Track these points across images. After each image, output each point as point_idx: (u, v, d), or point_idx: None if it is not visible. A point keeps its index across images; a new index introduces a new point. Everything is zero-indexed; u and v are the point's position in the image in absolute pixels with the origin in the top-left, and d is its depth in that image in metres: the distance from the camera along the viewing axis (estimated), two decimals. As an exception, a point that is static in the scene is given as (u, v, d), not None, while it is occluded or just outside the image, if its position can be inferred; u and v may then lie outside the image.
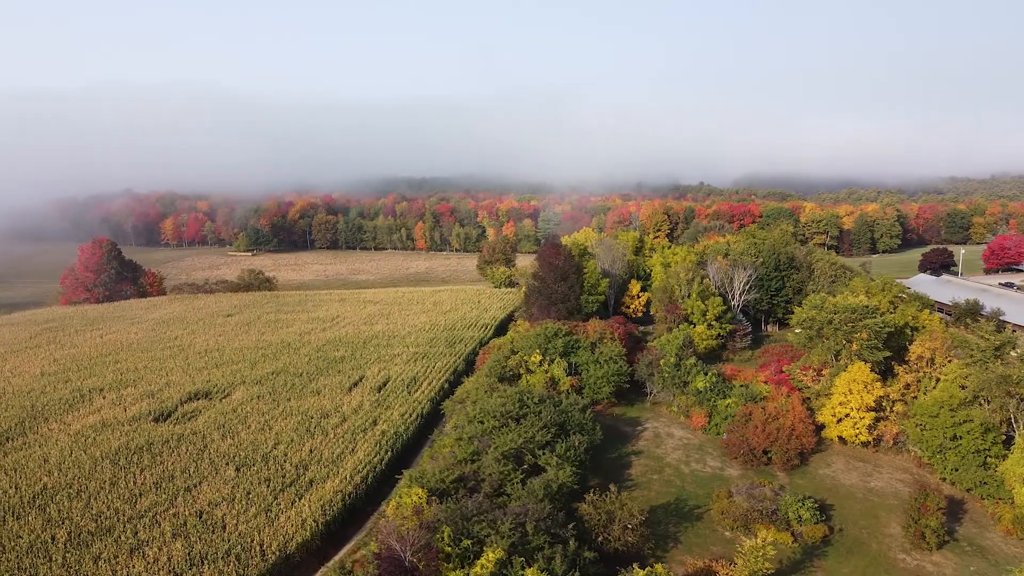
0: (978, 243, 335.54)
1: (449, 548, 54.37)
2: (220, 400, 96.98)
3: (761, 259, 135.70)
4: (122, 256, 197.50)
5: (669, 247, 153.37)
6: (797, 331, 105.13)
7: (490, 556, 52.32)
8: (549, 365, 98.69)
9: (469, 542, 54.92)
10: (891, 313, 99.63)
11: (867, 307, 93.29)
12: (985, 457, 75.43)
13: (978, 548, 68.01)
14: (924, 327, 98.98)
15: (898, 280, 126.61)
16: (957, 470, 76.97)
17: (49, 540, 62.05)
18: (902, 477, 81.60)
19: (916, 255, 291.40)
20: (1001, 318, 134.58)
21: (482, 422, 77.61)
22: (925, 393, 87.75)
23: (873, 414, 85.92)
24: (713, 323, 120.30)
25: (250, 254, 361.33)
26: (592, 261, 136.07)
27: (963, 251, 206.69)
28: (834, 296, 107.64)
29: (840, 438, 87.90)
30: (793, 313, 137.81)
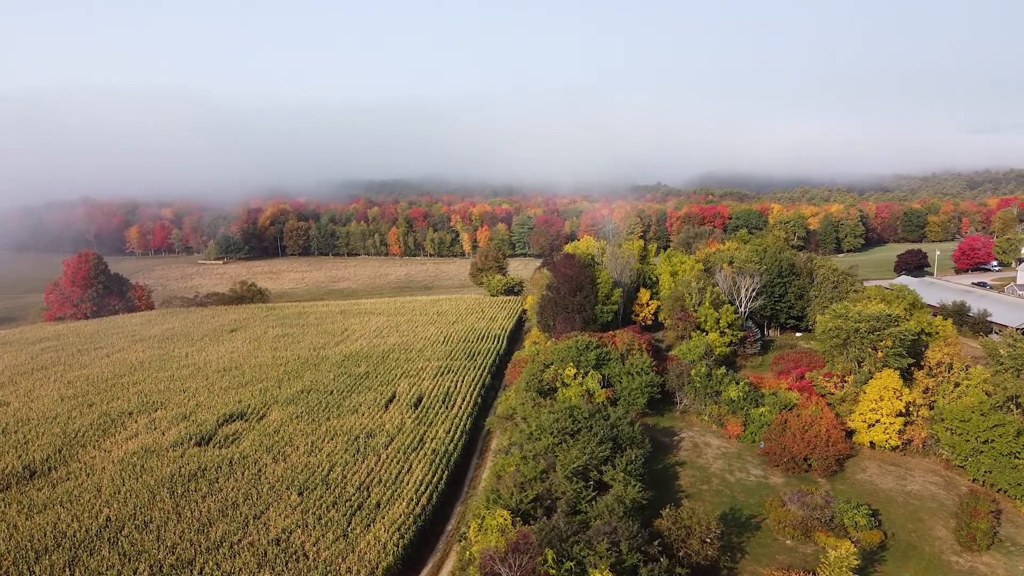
0: (933, 241, 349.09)
1: (553, 571, 55.51)
2: (257, 421, 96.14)
3: (764, 266, 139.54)
4: (108, 269, 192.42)
5: (675, 254, 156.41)
6: (799, 334, 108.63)
7: (598, 578, 53.68)
8: (583, 378, 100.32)
9: (571, 564, 56.18)
10: (908, 320, 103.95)
11: (889, 315, 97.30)
12: (1014, 459, 79.82)
13: (1021, 548, 72.00)
14: (938, 333, 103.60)
15: (882, 283, 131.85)
16: (990, 472, 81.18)
17: (132, 575, 61.43)
18: (935, 480, 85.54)
19: (883, 254, 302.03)
20: (988, 319, 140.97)
21: (539, 439, 78.83)
22: (944, 397, 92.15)
23: (902, 419, 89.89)
24: (726, 330, 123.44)
25: (221, 262, 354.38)
26: (604, 271, 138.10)
27: (938, 252, 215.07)
28: (842, 302, 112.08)
29: (871, 443, 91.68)
30: (795, 318, 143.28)
